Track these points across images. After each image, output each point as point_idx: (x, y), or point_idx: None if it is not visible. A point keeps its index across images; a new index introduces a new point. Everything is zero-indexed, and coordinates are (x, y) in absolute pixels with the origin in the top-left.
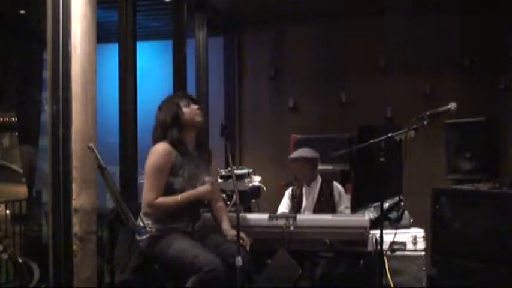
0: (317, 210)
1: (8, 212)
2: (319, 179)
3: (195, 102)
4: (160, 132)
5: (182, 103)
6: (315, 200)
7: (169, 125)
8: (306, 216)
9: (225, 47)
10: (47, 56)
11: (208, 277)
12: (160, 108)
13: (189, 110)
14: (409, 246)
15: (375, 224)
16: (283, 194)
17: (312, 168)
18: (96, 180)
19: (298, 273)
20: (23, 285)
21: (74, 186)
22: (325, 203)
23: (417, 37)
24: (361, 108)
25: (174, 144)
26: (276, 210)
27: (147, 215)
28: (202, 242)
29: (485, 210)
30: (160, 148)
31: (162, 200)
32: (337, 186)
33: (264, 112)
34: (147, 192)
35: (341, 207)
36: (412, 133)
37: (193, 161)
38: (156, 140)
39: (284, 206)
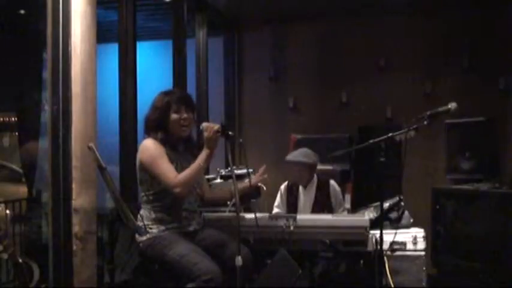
0: (314, 212)
1: (8, 212)
2: (315, 180)
3: (189, 109)
4: (147, 128)
5: (173, 107)
6: (312, 203)
7: (154, 126)
8: (306, 216)
9: (225, 47)
10: (47, 56)
11: (206, 286)
12: (152, 102)
13: (176, 119)
14: (409, 246)
15: (375, 224)
16: None
17: (309, 172)
18: (96, 180)
19: (298, 273)
20: (23, 285)
21: (74, 186)
22: (322, 205)
23: (417, 37)
24: (361, 108)
25: (160, 142)
26: None
27: (150, 212)
28: (204, 242)
29: (485, 210)
30: (149, 142)
31: (182, 174)
32: (333, 186)
33: (264, 112)
34: (165, 177)
35: (339, 211)
36: (412, 133)
37: (183, 155)
38: (145, 132)
39: (276, 205)
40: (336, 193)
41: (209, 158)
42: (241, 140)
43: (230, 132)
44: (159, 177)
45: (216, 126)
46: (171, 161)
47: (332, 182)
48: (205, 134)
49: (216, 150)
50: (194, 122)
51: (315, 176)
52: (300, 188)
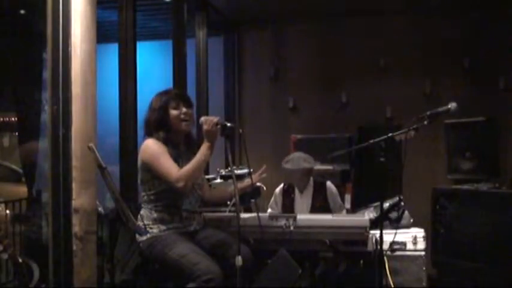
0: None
1: (8, 212)
2: (311, 183)
3: (187, 105)
4: (149, 130)
5: (171, 104)
6: (309, 207)
7: (155, 126)
8: (306, 216)
9: (225, 47)
10: (47, 56)
11: (206, 286)
12: (150, 104)
13: (177, 114)
14: (409, 246)
15: (375, 224)
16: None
17: (305, 177)
18: (96, 180)
19: (298, 273)
20: (23, 285)
21: (74, 186)
22: (320, 209)
23: (417, 37)
24: (361, 108)
25: (162, 142)
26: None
27: (151, 212)
28: (204, 242)
29: (485, 210)
30: (151, 141)
31: (184, 168)
32: (330, 188)
33: (264, 112)
34: (167, 173)
35: (339, 212)
36: (412, 133)
37: (185, 154)
38: (146, 134)
39: (270, 205)
40: (333, 195)
41: (210, 151)
42: (241, 130)
43: (228, 124)
44: (161, 174)
45: (215, 119)
46: (173, 160)
47: (328, 183)
48: (205, 127)
49: (216, 150)
50: (193, 121)
51: (311, 179)
52: (296, 191)
